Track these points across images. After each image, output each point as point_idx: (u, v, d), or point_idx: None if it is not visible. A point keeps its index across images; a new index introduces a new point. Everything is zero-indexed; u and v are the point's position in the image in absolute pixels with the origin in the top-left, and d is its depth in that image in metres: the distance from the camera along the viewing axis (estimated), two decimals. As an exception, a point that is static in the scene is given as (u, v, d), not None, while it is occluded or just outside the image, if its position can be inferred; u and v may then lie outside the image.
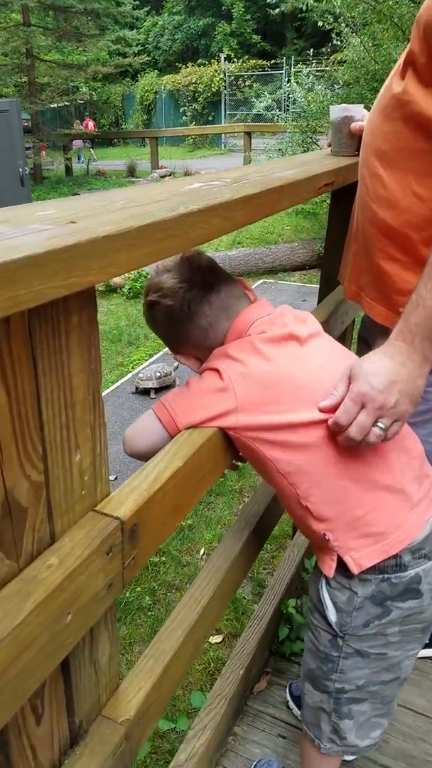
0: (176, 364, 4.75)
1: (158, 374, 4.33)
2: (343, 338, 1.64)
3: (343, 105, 1.40)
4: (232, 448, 0.92)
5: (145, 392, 4.35)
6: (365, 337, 1.37)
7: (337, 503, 0.86)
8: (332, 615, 0.91)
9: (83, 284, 0.52)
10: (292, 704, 1.45)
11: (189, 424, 0.86)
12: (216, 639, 2.38)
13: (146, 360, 4.96)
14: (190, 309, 0.94)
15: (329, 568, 0.90)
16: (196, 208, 0.68)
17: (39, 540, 0.60)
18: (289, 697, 1.47)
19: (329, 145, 1.44)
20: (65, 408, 0.59)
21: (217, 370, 0.88)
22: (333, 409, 0.81)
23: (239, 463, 1.01)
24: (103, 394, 4.91)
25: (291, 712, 1.45)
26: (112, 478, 3.61)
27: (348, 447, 0.82)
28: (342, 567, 0.89)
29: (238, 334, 0.92)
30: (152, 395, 4.32)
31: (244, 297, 0.98)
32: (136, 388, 4.37)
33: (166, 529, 0.77)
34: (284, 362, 0.87)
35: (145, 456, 0.91)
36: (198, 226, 0.69)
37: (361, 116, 1.35)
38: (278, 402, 0.84)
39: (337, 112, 1.38)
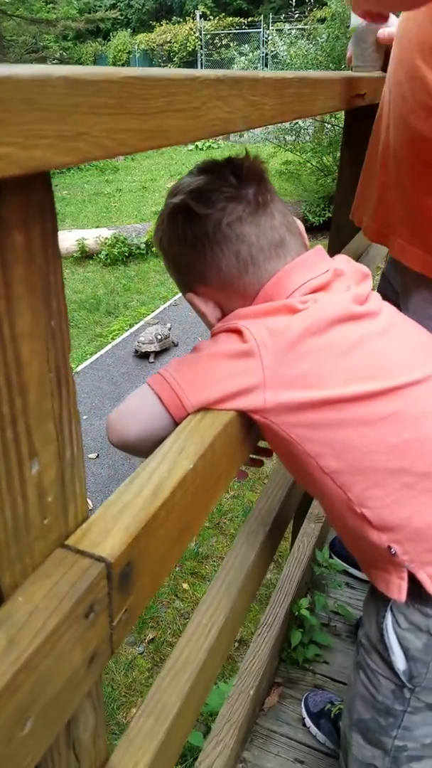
0: (170, 324, 4.55)
1: (159, 336, 4.20)
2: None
3: None
4: (252, 436, 0.69)
5: (145, 356, 4.22)
6: (389, 287, 1.14)
7: (404, 506, 0.64)
8: (400, 663, 0.70)
9: (24, 163, 0.28)
10: (308, 722, 1.26)
11: (200, 404, 0.62)
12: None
13: (127, 330, 4.70)
14: (231, 229, 0.66)
15: (399, 589, 0.67)
16: (213, 76, 0.44)
17: (-29, 610, 0.37)
18: (305, 713, 1.27)
19: (349, 60, 1.19)
20: (8, 392, 0.35)
21: (237, 331, 0.64)
22: None
23: (263, 458, 0.79)
24: (81, 367, 4.69)
25: (308, 730, 1.26)
26: (92, 456, 3.38)
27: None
28: (415, 591, 0.68)
29: (278, 293, 0.67)
30: (151, 359, 4.19)
31: (299, 239, 0.72)
32: (136, 351, 4.23)
33: (171, 559, 0.54)
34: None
35: (136, 448, 0.67)
36: (214, 103, 0.44)
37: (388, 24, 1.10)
38: (328, 373, 0.61)
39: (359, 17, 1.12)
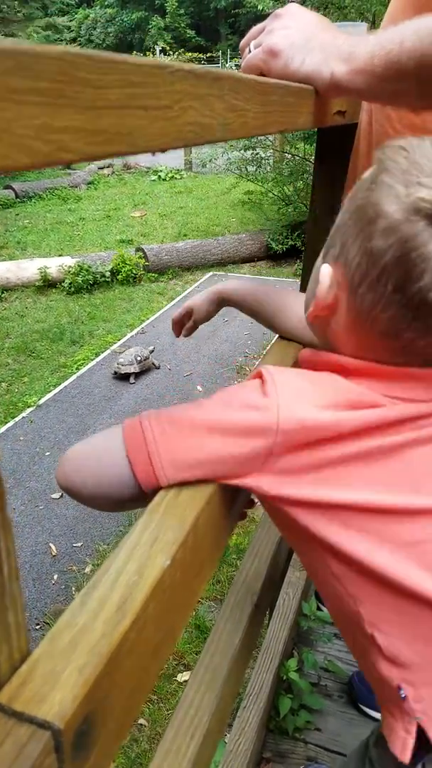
0: (152, 347, 4.46)
1: (138, 358, 4.14)
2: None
3: (344, 23, 1.08)
4: (240, 500, 0.57)
5: (125, 377, 4.14)
6: None
7: (427, 640, 0.52)
8: None
9: None
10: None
11: (179, 481, 0.49)
12: (184, 677, 2.04)
13: (93, 359, 4.55)
14: (411, 277, 0.46)
15: (403, 746, 0.54)
16: (188, 68, 0.34)
17: None
18: (298, 794, 1.14)
19: None
20: None
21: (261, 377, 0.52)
22: None
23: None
24: (43, 400, 4.52)
25: None
26: (56, 496, 3.19)
27: None
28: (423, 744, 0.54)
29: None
30: (132, 380, 4.13)
31: None
32: (115, 372, 4.14)
33: (145, 688, 0.42)
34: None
35: (82, 497, 0.54)
36: (189, 103, 0.34)
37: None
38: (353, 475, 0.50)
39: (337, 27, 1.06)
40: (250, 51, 0.66)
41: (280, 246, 6.63)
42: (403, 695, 0.53)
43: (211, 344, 4.79)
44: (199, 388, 4.09)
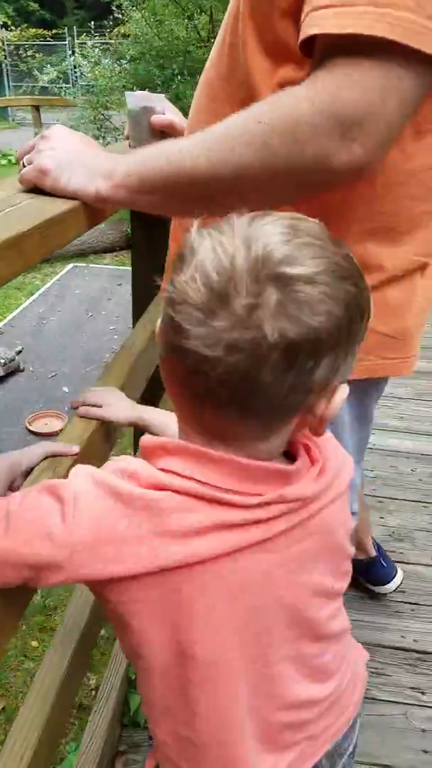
0: (19, 347, 4.25)
1: (2, 360, 3.92)
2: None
3: (141, 93, 1.19)
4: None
5: None
6: None
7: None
8: None
9: None
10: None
11: None
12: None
13: None
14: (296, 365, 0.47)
15: None
16: None
17: None
18: None
19: (127, 138, 1.23)
20: None
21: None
22: None
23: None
24: None
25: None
26: None
27: None
28: None
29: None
30: None
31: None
32: None
33: None
34: None
35: None
36: None
37: (162, 108, 1.16)
38: None
39: (134, 101, 1.17)
40: (24, 165, 0.75)
41: (140, 237, 6.65)
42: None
43: (77, 341, 4.69)
44: (65, 389, 4.03)
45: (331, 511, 0.58)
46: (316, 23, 0.55)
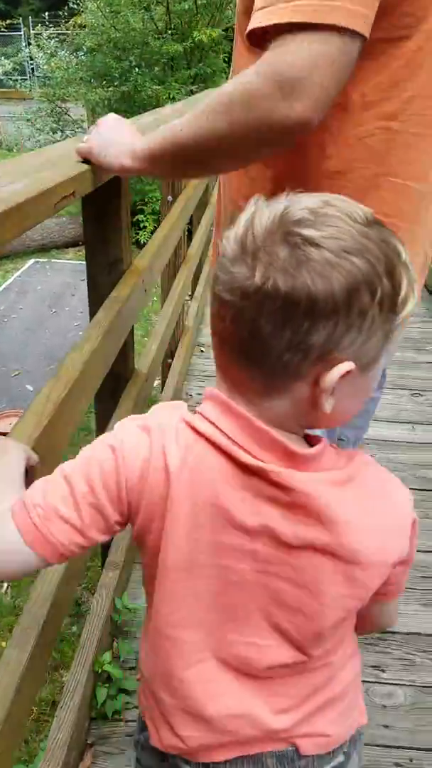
0: None
1: None
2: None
3: None
4: None
5: None
6: None
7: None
8: None
9: None
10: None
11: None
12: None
13: None
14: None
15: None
16: None
17: None
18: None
19: None
20: None
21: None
22: None
23: None
24: None
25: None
26: None
27: None
28: None
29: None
30: None
31: None
32: None
33: None
34: None
35: None
36: None
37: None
38: None
39: None
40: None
41: (101, 231, 6.57)
42: None
43: (40, 338, 4.64)
44: (29, 387, 3.99)
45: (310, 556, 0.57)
46: (253, 23, 0.71)
